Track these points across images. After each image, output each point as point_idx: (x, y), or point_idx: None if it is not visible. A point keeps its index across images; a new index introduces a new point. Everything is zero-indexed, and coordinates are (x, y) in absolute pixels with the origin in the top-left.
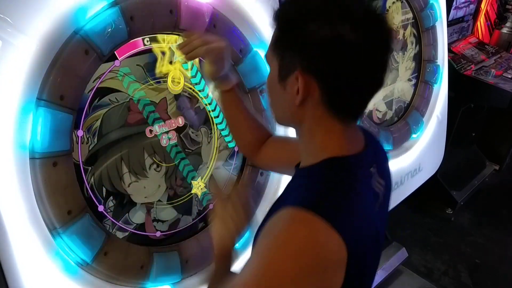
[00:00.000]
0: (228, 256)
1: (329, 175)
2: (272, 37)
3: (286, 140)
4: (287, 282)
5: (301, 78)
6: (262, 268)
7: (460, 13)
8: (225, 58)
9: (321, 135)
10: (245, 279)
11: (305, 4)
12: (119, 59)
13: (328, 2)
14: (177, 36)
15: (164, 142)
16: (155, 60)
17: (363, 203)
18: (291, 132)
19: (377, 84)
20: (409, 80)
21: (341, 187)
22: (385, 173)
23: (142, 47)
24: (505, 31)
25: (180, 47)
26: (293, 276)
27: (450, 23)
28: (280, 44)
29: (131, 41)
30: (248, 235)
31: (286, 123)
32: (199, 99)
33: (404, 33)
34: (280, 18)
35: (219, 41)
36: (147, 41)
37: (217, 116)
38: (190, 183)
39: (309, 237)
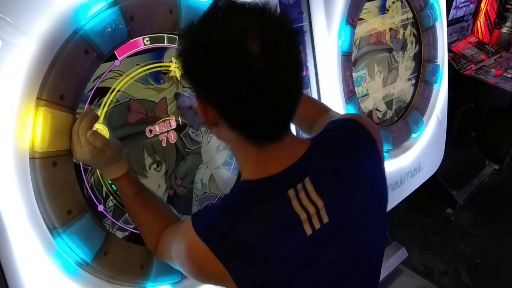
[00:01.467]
0: (127, 182)
1: (231, 200)
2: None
3: None
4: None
5: (201, 107)
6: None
7: (460, 13)
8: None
9: (239, 157)
10: (168, 244)
11: (188, 43)
12: (119, 58)
13: (206, 37)
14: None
15: (164, 142)
16: (155, 59)
17: (263, 231)
18: None
19: (281, 103)
20: (409, 79)
21: (233, 215)
22: (329, 190)
23: (142, 47)
24: (505, 31)
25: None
26: (184, 263)
27: (450, 23)
28: (184, 78)
29: (131, 40)
30: None
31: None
32: None
33: (404, 33)
34: (178, 57)
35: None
36: (147, 41)
37: None
38: None
39: (193, 256)
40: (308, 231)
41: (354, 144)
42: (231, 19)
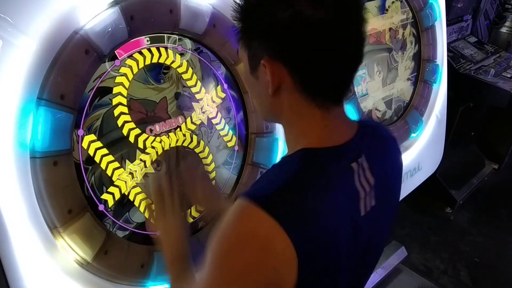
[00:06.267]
0: (182, 257)
1: (295, 167)
2: (238, 31)
3: None
4: (234, 278)
5: (268, 65)
6: (213, 264)
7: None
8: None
9: (300, 124)
10: (201, 279)
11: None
12: (119, 58)
13: None
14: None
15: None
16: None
17: (327, 201)
18: None
19: (352, 59)
20: (409, 79)
21: (300, 183)
22: (380, 171)
23: (142, 47)
24: (504, 31)
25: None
26: (239, 271)
27: (449, 23)
28: (244, 36)
29: (132, 40)
30: None
31: (270, 118)
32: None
33: (403, 33)
34: (241, 10)
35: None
36: (147, 41)
37: None
38: None
39: (252, 231)
40: (362, 211)
41: (386, 138)
42: None
